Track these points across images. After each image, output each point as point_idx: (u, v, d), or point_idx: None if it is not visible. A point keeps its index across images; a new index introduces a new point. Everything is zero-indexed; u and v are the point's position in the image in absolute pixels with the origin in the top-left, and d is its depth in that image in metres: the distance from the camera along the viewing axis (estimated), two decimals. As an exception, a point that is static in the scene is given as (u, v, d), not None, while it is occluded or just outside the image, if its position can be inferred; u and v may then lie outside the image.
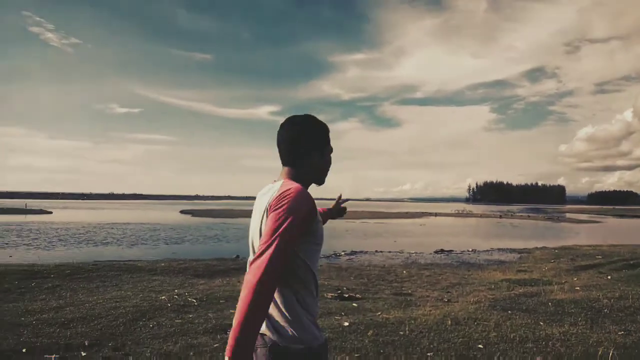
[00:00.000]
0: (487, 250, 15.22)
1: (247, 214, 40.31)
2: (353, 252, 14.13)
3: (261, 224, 1.25)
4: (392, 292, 6.88)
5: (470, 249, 15.57)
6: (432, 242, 18.36)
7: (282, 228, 1.15)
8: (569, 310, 5.27)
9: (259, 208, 1.31)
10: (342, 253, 13.82)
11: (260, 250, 1.13)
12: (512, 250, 14.89)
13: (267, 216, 1.22)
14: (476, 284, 7.77)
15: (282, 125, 1.41)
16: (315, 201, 1.24)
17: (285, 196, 1.20)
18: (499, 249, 15.60)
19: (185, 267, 8.78)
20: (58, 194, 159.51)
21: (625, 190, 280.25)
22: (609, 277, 8.05)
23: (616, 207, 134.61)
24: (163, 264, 8.98)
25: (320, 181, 1.45)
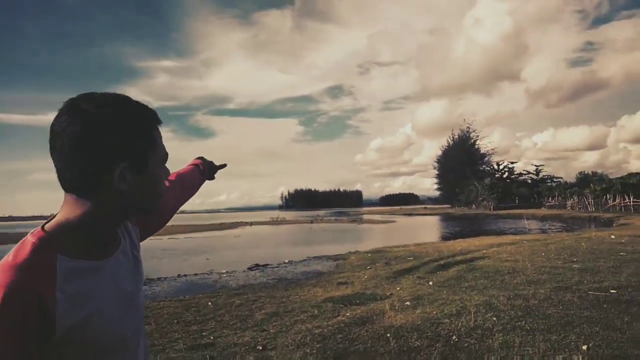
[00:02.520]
0: (304, 260, 14.27)
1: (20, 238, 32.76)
2: (147, 281, 11.29)
3: None
4: (187, 345, 4.85)
5: (287, 260, 14.44)
6: (246, 255, 16.75)
7: None
8: (414, 345, 4.09)
9: None
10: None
11: None
12: (328, 258, 14.25)
13: None
14: (297, 311, 6.29)
15: (57, 116, 0.75)
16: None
17: None
18: (315, 257, 14.84)
19: None
20: None
21: (407, 192, 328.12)
22: (431, 283, 7.51)
23: (402, 207, 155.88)
24: None
25: (143, 210, 0.84)
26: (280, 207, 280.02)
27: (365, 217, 63.41)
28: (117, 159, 0.76)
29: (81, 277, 0.75)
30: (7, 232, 45.97)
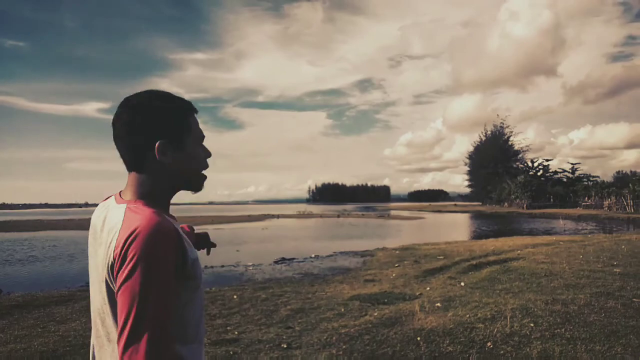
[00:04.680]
0: (330, 255, 14.15)
1: (57, 225, 33.85)
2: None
3: (108, 279, 0.90)
4: (212, 339, 4.78)
5: (313, 255, 14.35)
6: (273, 249, 16.76)
7: (146, 308, 0.81)
8: (446, 350, 3.89)
9: (97, 248, 0.95)
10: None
11: (125, 341, 0.80)
12: (355, 254, 14.08)
13: (113, 277, 0.88)
14: (322, 308, 6.16)
15: (117, 111, 0.99)
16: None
17: (131, 245, 0.85)
18: (341, 253, 14.71)
19: None
20: None
21: (437, 189, 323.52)
22: (462, 284, 7.24)
23: (431, 203, 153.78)
24: None
25: (189, 186, 1.07)
26: (307, 201, 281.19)
27: (393, 212, 62.78)
28: (158, 137, 0.97)
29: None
30: (42, 218, 47.63)
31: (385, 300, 6.50)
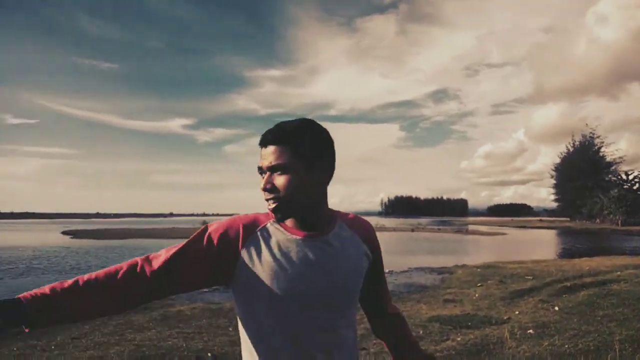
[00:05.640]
0: (405, 271, 13.65)
1: (144, 233, 36.15)
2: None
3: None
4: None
5: (387, 270, 13.91)
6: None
7: None
8: (546, 386, 3.43)
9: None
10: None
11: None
12: (432, 270, 13.46)
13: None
14: (400, 328, 5.82)
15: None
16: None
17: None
18: (417, 268, 14.14)
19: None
20: None
21: (519, 203, 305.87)
22: (557, 309, 6.53)
23: (514, 218, 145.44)
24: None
25: None
26: (379, 214, 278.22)
27: (471, 227, 60.00)
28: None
29: None
30: (130, 227, 51.25)
31: (469, 324, 6.02)
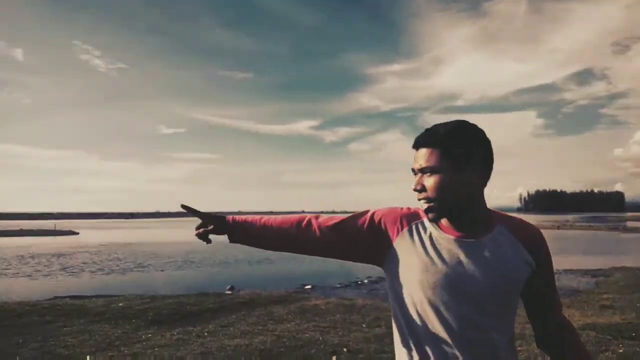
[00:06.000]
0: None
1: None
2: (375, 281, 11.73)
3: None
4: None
5: (529, 271, 12.78)
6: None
7: None
8: None
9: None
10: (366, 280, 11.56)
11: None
12: (584, 273, 12.02)
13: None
14: (547, 335, 5.27)
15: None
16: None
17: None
18: (565, 270, 12.74)
19: (145, 307, 6.74)
20: (104, 213, 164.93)
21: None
22: None
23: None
24: (121, 304, 6.99)
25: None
26: (518, 210, 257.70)
27: (630, 224, 52.31)
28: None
29: None
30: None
31: (633, 334, 5.22)
